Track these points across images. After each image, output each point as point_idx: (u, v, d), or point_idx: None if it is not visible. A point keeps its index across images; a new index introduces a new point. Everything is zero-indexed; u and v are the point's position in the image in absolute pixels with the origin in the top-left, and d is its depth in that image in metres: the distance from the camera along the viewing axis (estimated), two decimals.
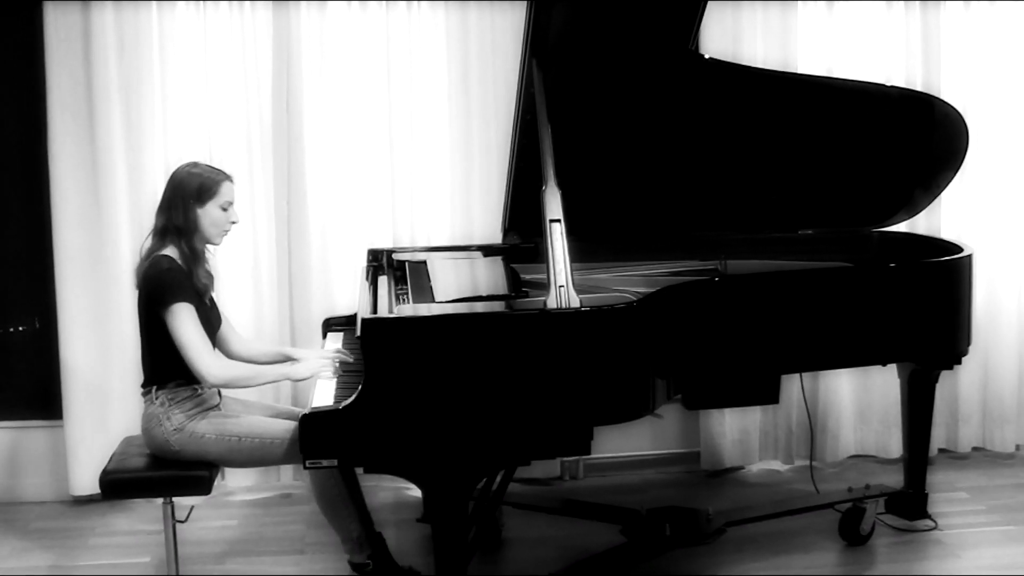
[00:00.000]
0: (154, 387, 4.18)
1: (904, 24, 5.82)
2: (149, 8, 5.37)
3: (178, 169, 4.25)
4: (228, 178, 4.26)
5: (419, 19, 5.55)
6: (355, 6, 5.52)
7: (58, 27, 5.28)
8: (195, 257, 4.18)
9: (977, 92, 5.90)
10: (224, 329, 4.41)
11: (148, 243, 4.23)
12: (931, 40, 5.85)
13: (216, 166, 4.33)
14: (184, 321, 4.03)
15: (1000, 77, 5.92)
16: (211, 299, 4.33)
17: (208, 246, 4.28)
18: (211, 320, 4.25)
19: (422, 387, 3.55)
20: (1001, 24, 5.89)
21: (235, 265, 5.48)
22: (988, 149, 5.89)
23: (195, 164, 4.28)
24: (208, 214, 4.18)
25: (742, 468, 6.01)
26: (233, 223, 4.28)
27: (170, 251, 4.16)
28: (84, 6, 5.29)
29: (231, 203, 4.24)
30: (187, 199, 4.15)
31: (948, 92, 5.75)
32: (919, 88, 5.72)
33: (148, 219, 5.30)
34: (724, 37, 5.64)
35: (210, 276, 4.29)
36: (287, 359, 4.46)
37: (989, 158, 5.91)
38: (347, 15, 5.50)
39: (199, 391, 4.21)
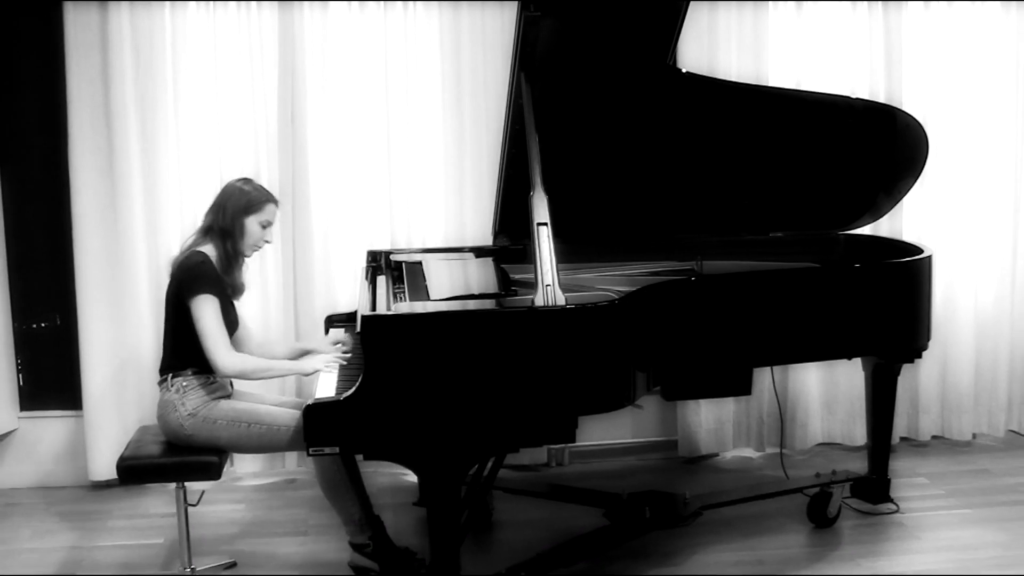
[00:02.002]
0: (170, 374, 4.21)
1: (867, 24, 5.80)
2: (163, 8, 5.36)
3: (231, 182, 4.32)
4: (274, 201, 4.33)
5: (414, 22, 5.53)
6: (355, 6, 5.50)
7: (77, 29, 5.27)
8: (234, 259, 4.25)
9: (935, 91, 5.91)
10: (241, 333, 4.42)
11: (191, 239, 4.30)
12: (892, 39, 5.84)
13: (266, 187, 4.38)
14: (207, 312, 4.08)
15: (956, 77, 5.92)
16: (234, 304, 4.36)
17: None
18: (231, 319, 4.28)
19: (418, 379, 3.55)
20: (956, 22, 5.89)
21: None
22: (947, 156, 5.90)
23: (248, 180, 4.35)
24: (247, 227, 4.21)
25: (717, 455, 6.01)
26: (267, 242, 4.34)
27: (208, 249, 4.21)
28: (101, 6, 5.28)
29: (270, 223, 4.31)
30: (236, 207, 4.20)
31: (908, 86, 5.83)
32: (881, 87, 5.80)
33: (162, 223, 5.39)
34: (700, 48, 5.64)
35: (242, 285, 4.36)
36: (304, 353, 4.51)
37: (948, 165, 5.91)
38: (347, 16, 5.49)
39: (212, 379, 4.23)
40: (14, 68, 5.47)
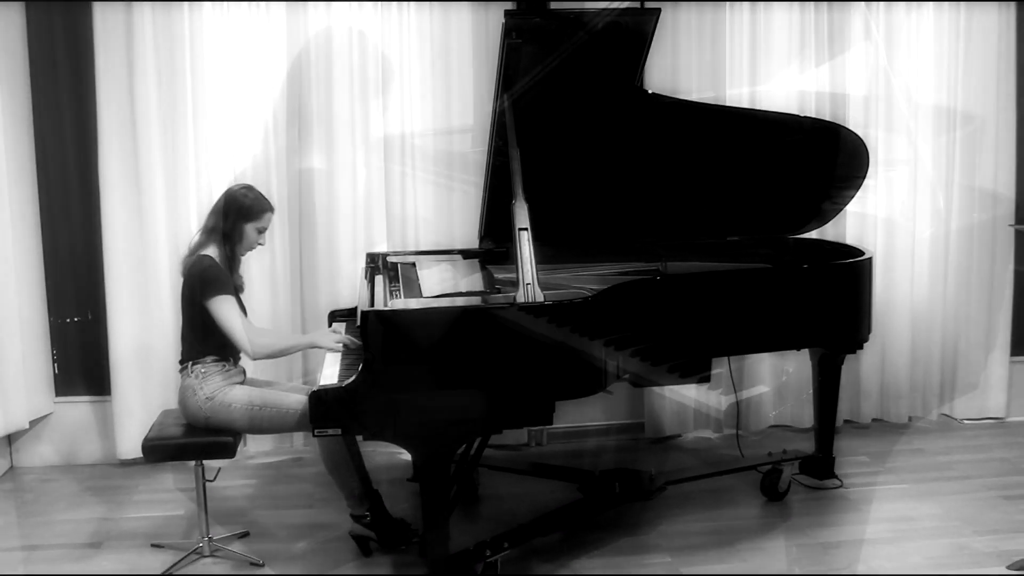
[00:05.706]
0: (190, 362, 4.21)
1: (812, 30, 5.77)
2: (181, 8, 5.32)
3: (234, 187, 4.31)
4: (272, 209, 4.33)
5: (409, 25, 5.51)
6: (354, 6, 5.45)
7: (107, 29, 5.24)
8: (233, 260, 4.24)
9: (876, 96, 5.89)
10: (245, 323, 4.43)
11: (196, 239, 4.29)
12: (836, 45, 5.82)
13: (265, 195, 4.36)
14: (228, 310, 4.10)
15: (897, 80, 5.90)
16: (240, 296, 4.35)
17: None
18: (243, 309, 4.28)
19: (412, 368, 3.56)
20: (894, 25, 5.87)
21: (256, 265, 5.46)
22: (885, 165, 5.90)
23: (250, 188, 4.33)
24: (246, 232, 4.23)
25: (679, 436, 6.01)
26: (260, 244, 4.34)
27: (211, 251, 4.21)
28: (127, 6, 5.25)
29: (265, 229, 4.30)
30: (237, 213, 4.19)
31: (851, 91, 5.83)
32: (826, 92, 5.80)
33: (182, 227, 5.35)
34: (664, 73, 5.64)
35: (241, 278, 4.37)
36: None
37: (885, 174, 5.92)
38: (348, 15, 5.45)
39: (228, 367, 4.25)
40: (50, 81, 5.44)
